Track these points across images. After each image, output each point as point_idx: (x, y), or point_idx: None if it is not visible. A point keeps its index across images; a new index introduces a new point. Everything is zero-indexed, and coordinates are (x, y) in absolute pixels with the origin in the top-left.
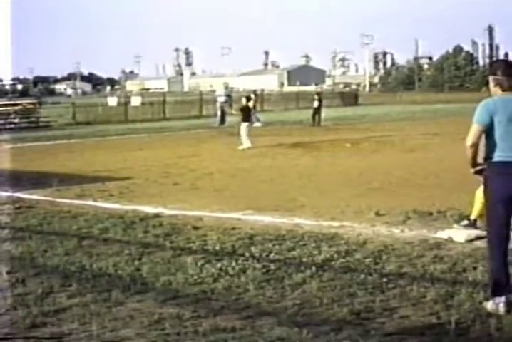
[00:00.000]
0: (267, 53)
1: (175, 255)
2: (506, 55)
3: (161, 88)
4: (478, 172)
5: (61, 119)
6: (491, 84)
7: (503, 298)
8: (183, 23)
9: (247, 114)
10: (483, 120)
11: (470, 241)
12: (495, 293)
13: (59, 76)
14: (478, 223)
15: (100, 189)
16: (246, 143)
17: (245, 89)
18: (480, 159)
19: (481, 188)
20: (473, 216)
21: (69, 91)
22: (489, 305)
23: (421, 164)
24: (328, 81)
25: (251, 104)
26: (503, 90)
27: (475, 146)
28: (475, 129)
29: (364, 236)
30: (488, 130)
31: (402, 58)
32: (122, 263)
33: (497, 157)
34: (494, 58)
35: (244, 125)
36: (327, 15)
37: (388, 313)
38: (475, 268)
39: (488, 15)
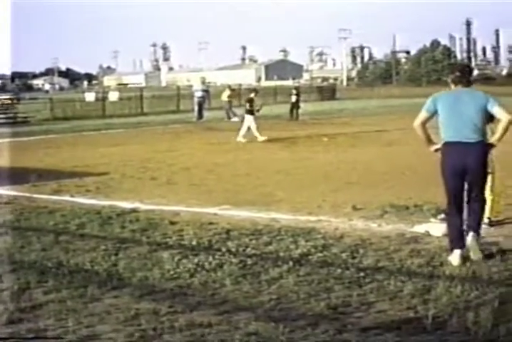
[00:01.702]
0: (244, 48)
1: (151, 250)
2: (484, 49)
3: (139, 83)
4: (437, 150)
5: (39, 114)
6: (449, 82)
7: (458, 252)
8: (160, 18)
9: (250, 106)
10: (428, 109)
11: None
12: (453, 247)
13: (37, 72)
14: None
15: (77, 184)
16: (241, 137)
17: (223, 84)
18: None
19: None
20: (488, 215)
21: (47, 87)
22: (449, 257)
23: (398, 159)
24: (305, 76)
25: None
26: (455, 85)
27: (419, 127)
28: (421, 115)
29: (341, 230)
30: (438, 118)
31: (379, 52)
32: (98, 258)
33: (446, 138)
34: (472, 53)
35: (249, 118)
36: (305, 9)
37: (366, 308)
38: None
39: (465, 9)
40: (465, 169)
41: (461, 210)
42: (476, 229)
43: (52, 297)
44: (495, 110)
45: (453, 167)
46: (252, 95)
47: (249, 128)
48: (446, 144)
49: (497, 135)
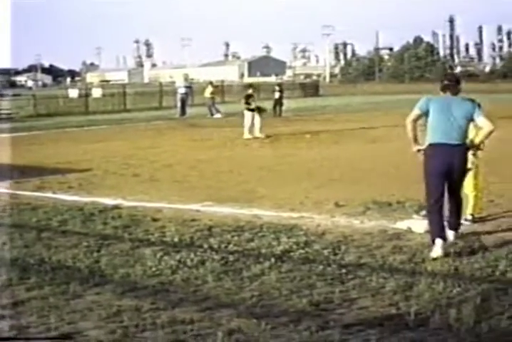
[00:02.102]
0: (227, 45)
1: (133, 247)
2: (467, 46)
3: (121, 80)
4: (419, 151)
5: (22, 111)
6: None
7: (440, 241)
8: (143, 14)
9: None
10: (421, 107)
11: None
12: (434, 238)
13: (20, 68)
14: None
15: (59, 181)
16: (246, 134)
17: (205, 80)
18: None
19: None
20: (469, 211)
21: (30, 83)
22: (431, 252)
23: (381, 155)
24: (288, 72)
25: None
26: (444, 93)
27: (410, 124)
28: (414, 112)
29: (323, 227)
30: (426, 120)
31: (363, 49)
32: (80, 255)
33: (433, 140)
34: (455, 49)
35: (246, 114)
36: (288, 6)
37: (348, 304)
38: (434, 259)
39: (448, 6)
40: (449, 169)
41: (442, 207)
42: (456, 227)
43: (34, 294)
44: (480, 119)
45: (438, 167)
46: (250, 91)
47: (253, 123)
48: (433, 145)
49: (477, 140)
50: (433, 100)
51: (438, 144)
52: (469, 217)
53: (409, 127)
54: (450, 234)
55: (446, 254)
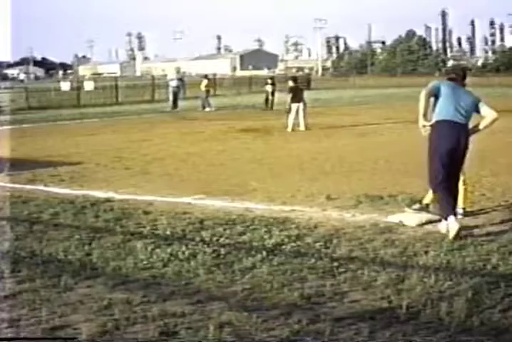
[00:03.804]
0: (219, 38)
1: (125, 240)
2: (459, 39)
3: (114, 73)
4: (424, 126)
5: (14, 104)
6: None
7: (453, 218)
8: (136, 7)
9: (295, 95)
10: (434, 85)
11: (422, 225)
12: (447, 214)
13: (12, 61)
14: (430, 207)
15: (51, 174)
16: (289, 128)
17: (198, 74)
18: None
19: None
20: (426, 201)
21: (22, 76)
22: (442, 227)
23: (372, 149)
24: (280, 65)
25: (290, 84)
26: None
27: (425, 96)
28: (428, 87)
29: (315, 220)
30: (435, 100)
31: (355, 42)
32: (72, 248)
33: (440, 117)
34: (447, 43)
35: (294, 106)
36: None
37: (339, 298)
38: (426, 252)
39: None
40: (454, 147)
41: (451, 183)
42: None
43: (25, 287)
44: (485, 108)
45: (444, 144)
46: (291, 83)
47: (296, 116)
48: (440, 122)
49: (481, 126)
50: (443, 83)
51: (446, 121)
52: (460, 211)
53: (422, 101)
54: (451, 221)
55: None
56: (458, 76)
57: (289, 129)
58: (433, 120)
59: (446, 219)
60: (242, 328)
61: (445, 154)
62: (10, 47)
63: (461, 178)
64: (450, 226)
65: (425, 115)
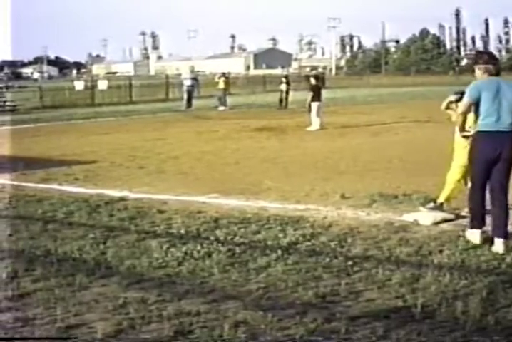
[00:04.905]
0: (233, 37)
1: (139, 239)
2: (473, 38)
3: (127, 72)
4: (465, 137)
5: (28, 103)
6: (479, 71)
7: (479, 232)
8: (150, 6)
9: (317, 93)
10: (472, 96)
11: (436, 224)
12: (474, 226)
13: (26, 60)
14: (445, 206)
15: (65, 172)
16: (315, 125)
17: (212, 72)
18: (467, 128)
19: (452, 171)
20: (440, 200)
21: (36, 75)
22: (468, 235)
23: (386, 148)
24: (294, 64)
25: (312, 82)
26: (489, 75)
27: (463, 114)
28: (466, 101)
29: (330, 219)
30: (477, 105)
31: (369, 41)
32: (87, 247)
33: (484, 127)
34: (461, 42)
35: (315, 105)
36: None
37: (354, 297)
38: (441, 251)
39: None
40: (498, 157)
41: (484, 188)
42: (505, 235)
43: (40, 285)
44: None
45: (488, 155)
46: (314, 81)
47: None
48: (483, 132)
49: None
50: (483, 86)
51: (489, 132)
52: (431, 205)
53: (459, 120)
54: (499, 243)
55: (485, 239)
56: (495, 65)
57: (318, 126)
58: (476, 129)
59: (471, 228)
60: (257, 327)
61: (485, 165)
62: (24, 46)
63: (459, 176)
64: (473, 236)
65: (463, 127)
